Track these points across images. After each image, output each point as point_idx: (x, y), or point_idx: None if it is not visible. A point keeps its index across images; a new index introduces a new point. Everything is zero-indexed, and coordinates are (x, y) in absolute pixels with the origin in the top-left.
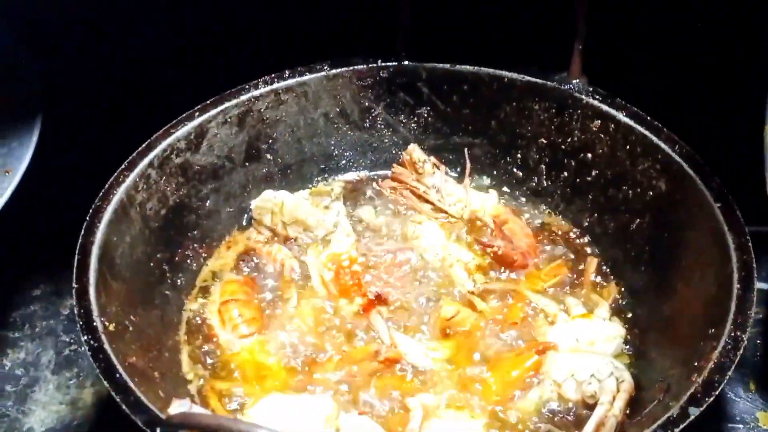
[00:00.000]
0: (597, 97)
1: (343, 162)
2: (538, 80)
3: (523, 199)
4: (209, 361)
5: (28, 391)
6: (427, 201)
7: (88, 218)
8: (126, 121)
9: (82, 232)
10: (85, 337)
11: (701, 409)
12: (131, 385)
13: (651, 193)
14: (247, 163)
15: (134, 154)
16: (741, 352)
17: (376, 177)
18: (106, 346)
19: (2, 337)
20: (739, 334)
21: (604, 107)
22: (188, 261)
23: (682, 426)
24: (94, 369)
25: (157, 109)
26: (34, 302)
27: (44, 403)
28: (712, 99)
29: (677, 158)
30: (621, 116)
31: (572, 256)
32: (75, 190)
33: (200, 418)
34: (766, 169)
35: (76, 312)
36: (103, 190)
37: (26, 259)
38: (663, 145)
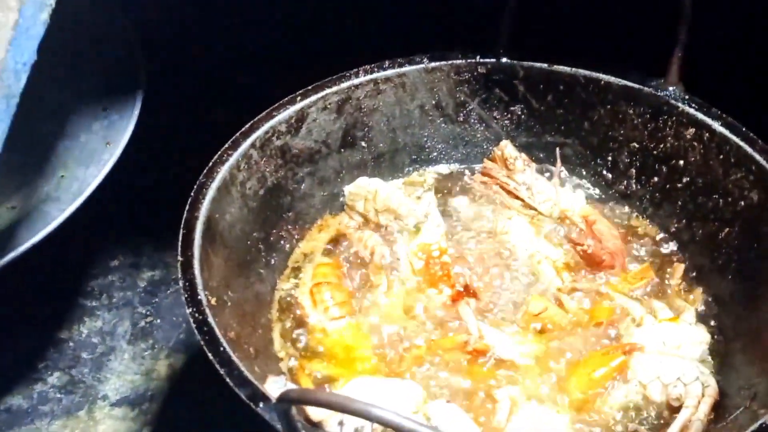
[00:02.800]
0: (693, 105)
1: (435, 154)
2: (635, 85)
3: (612, 202)
4: (300, 340)
5: (104, 359)
6: (517, 197)
7: (193, 193)
8: (227, 104)
9: (188, 206)
10: (190, 310)
11: None
12: (234, 358)
13: (742, 203)
14: (342, 150)
15: (237, 134)
16: None
17: (467, 170)
18: (210, 319)
19: (80, 305)
20: None
21: (700, 116)
22: (282, 241)
23: None
24: (169, 341)
25: (258, 94)
26: (112, 273)
27: (119, 372)
28: None
29: None
30: (716, 125)
31: (659, 261)
32: (164, 169)
33: (316, 395)
34: None
35: (181, 285)
36: (207, 167)
37: (107, 230)
38: (757, 157)
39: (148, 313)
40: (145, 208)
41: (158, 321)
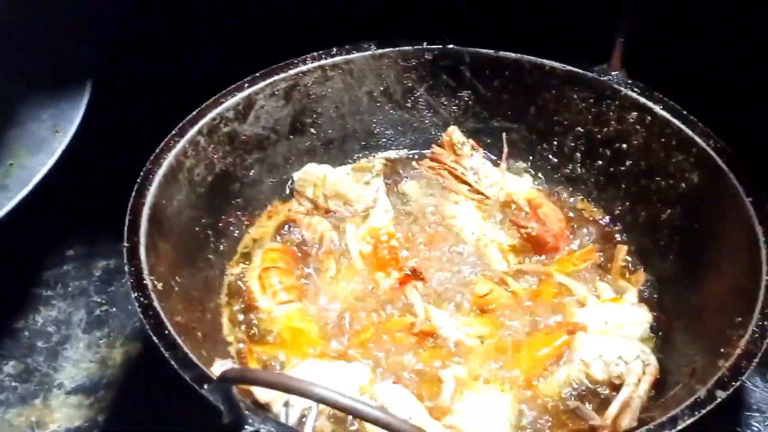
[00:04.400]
0: (635, 89)
1: (384, 140)
2: (578, 70)
3: (558, 185)
4: (248, 325)
5: (59, 348)
6: (464, 182)
7: (139, 180)
8: (176, 91)
9: (134, 193)
10: (136, 294)
11: (728, 392)
12: (179, 342)
13: (683, 185)
14: (291, 136)
15: (184, 121)
16: None
17: (415, 156)
18: (156, 303)
19: (35, 294)
20: (766, 323)
21: (642, 99)
22: (231, 228)
23: (708, 408)
24: (124, 329)
25: (206, 80)
26: (67, 262)
27: (75, 360)
28: (750, 94)
29: (711, 152)
30: (657, 109)
31: (603, 243)
32: (116, 157)
33: (257, 374)
34: None
35: (126, 270)
36: (154, 154)
37: (61, 219)
38: (697, 139)
39: (103, 301)
40: (100, 197)
41: (113, 309)
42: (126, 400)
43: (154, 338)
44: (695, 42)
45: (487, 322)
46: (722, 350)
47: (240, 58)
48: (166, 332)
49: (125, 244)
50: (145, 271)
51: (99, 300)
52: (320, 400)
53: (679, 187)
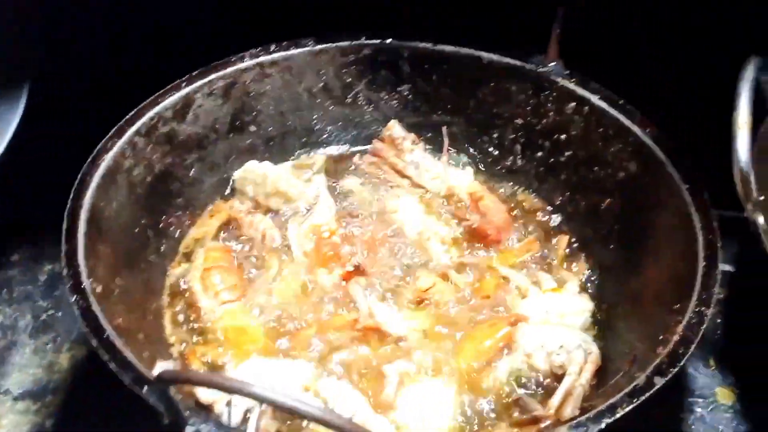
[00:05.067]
0: (572, 80)
1: (325, 136)
2: (516, 62)
3: (499, 177)
4: (191, 325)
5: (5, 353)
6: (405, 176)
7: (77, 183)
8: (114, 91)
9: (71, 195)
10: (74, 297)
11: (666, 378)
12: (118, 344)
13: (622, 173)
14: (231, 134)
15: (122, 122)
16: (705, 326)
17: (356, 152)
18: (95, 306)
19: None
20: (703, 309)
21: (579, 90)
22: (172, 228)
23: (647, 394)
24: (70, 334)
25: (145, 79)
26: (11, 267)
27: (21, 365)
28: (687, 84)
29: (648, 141)
30: (594, 99)
31: (544, 233)
32: (56, 158)
33: (192, 374)
34: (734, 151)
35: (65, 273)
36: (91, 156)
37: (4, 224)
38: (634, 128)
39: (49, 306)
40: (43, 200)
41: (59, 314)
42: (74, 405)
43: (93, 341)
44: (632, 31)
45: (431, 315)
46: (661, 337)
47: (177, 56)
48: (105, 335)
49: (63, 246)
50: (84, 275)
51: (45, 304)
52: (257, 398)
53: (617, 176)
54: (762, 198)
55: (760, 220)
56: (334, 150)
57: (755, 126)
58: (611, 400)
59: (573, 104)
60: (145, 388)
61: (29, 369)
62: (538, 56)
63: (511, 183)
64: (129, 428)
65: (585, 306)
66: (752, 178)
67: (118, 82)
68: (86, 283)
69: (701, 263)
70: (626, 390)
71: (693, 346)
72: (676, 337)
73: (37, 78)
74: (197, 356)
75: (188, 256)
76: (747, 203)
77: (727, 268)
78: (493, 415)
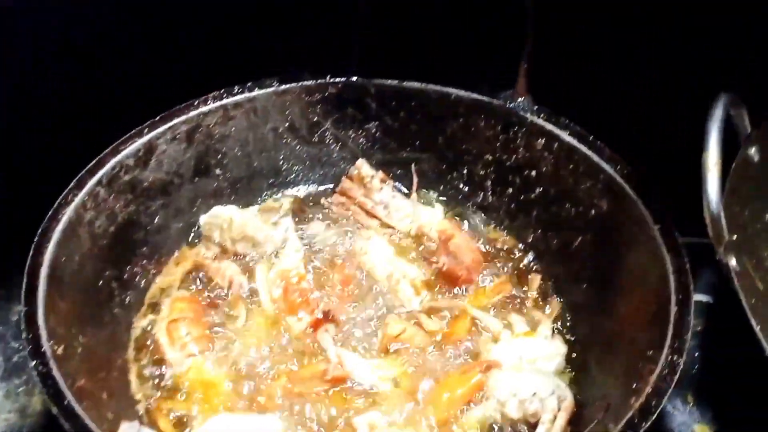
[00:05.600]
0: (541, 115)
1: (292, 176)
2: (484, 98)
3: (470, 214)
4: (157, 380)
5: None
6: (374, 216)
7: (36, 239)
8: (74, 138)
9: (31, 253)
10: (34, 362)
11: None
12: (79, 411)
13: (593, 211)
14: (196, 179)
15: (83, 172)
16: (677, 376)
17: (325, 191)
18: (55, 372)
19: None
20: (676, 358)
21: (548, 126)
22: (137, 278)
23: None
24: None
25: (106, 126)
26: None
27: None
28: (658, 116)
29: (618, 179)
30: (564, 135)
31: (517, 273)
32: (25, 199)
33: None
34: (704, 192)
35: (24, 336)
36: (51, 210)
37: None
38: (605, 165)
39: (20, 347)
40: (13, 239)
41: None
42: None
43: (54, 408)
44: (601, 66)
45: (401, 363)
46: (634, 385)
47: (138, 101)
48: (65, 402)
49: (23, 307)
50: (44, 338)
51: (16, 345)
52: None
53: (589, 213)
54: (735, 237)
55: (732, 262)
56: (302, 190)
57: (728, 160)
58: None
59: (542, 140)
60: None
61: (1, 414)
62: (507, 92)
63: (483, 219)
64: None
65: (558, 350)
66: (723, 222)
67: (78, 129)
68: (46, 346)
69: (673, 308)
70: None
71: (665, 399)
72: (648, 389)
73: None
74: (164, 413)
75: (154, 307)
76: (719, 246)
77: (704, 298)
78: None
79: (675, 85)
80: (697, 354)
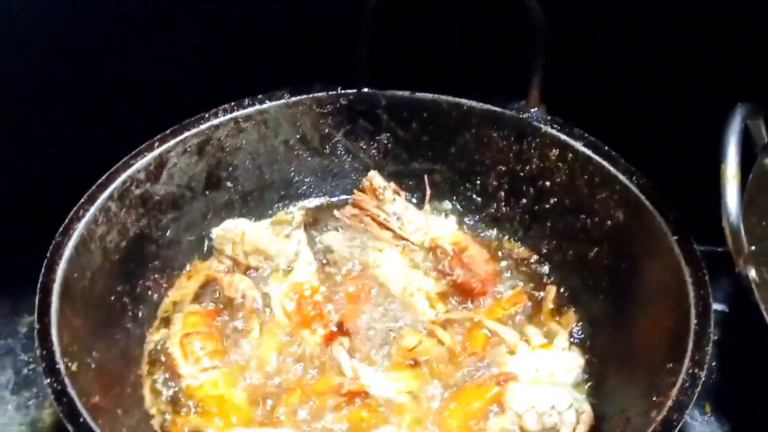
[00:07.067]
0: (555, 126)
1: (304, 188)
2: (497, 108)
3: (483, 225)
4: (171, 395)
5: None
6: (387, 228)
7: (48, 255)
8: (84, 152)
9: (43, 270)
10: (48, 380)
11: None
12: (95, 429)
13: (609, 222)
14: (207, 192)
15: (94, 187)
16: (699, 389)
17: (337, 203)
18: (70, 389)
19: None
20: (696, 371)
21: (562, 136)
22: (149, 292)
23: None
24: None
25: (116, 139)
26: None
27: (3, 424)
28: (673, 125)
29: (634, 189)
30: (578, 145)
31: (531, 284)
32: (34, 212)
33: None
34: (723, 205)
35: (38, 354)
36: (62, 226)
37: None
38: (620, 176)
39: (30, 359)
40: (21, 251)
41: (41, 368)
42: None
43: (70, 427)
44: (615, 75)
45: (417, 376)
46: (654, 399)
47: (148, 115)
48: (81, 419)
49: (36, 325)
50: (58, 354)
51: (26, 358)
52: None
53: (605, 224)
54: (753, 248)
55: (752, 274)
56: (314, 202)
57: (746, 169)
58: None
59: (556, 150)
60: None
61: (12, 427)
62: (519, 102)
63: (496, 231)
64: None
65: (576, 362)
66: (742, 233)
67: (88, 143)
68: (60, 363)
69: (693, 321)
70: None
71: (687, 412)
72: (669, 402)
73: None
74: (178, 428)
75: (167, 321)
76: (738, 258)
77: (720, 307)
78: None
79: (690, 94)
80: (714, 363)
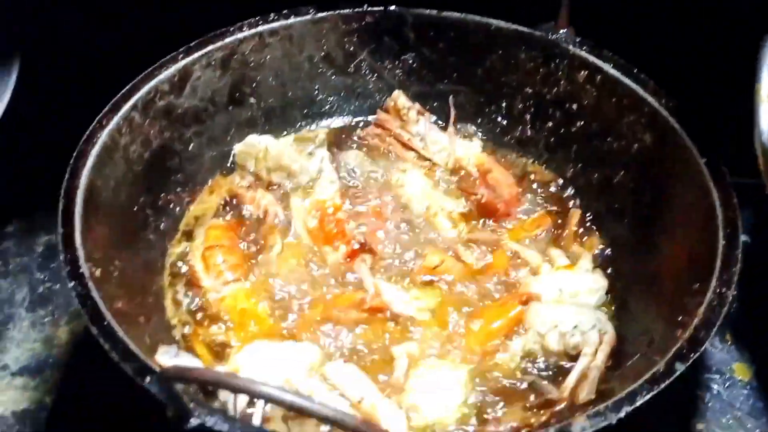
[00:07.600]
0: (584, 47)
1: (327, 107)
2: (525, 29)
3: (508, 148)
4: (193, 306)
5: (2, 328)
6: (411, 149)
7: (72, 162)
8: (110, 63)
9: (67, 175)
10: (72, 284)
11: (687, 364)
12: (120, 333)
13: (636, 145)
14: (230, 107)
15: (118, 97)
16: (727, 308)
17: (360, 123)
18: (94, 293)
19: None
20: (725, 290)
21: (591, 58)
22: (171, 205)
23: (668, 381)
24: (69, 307)
25: (141, 52)
26: (7, 239)
27: (19, 340)
28: (704, 50)
29: (663, 111)
30: (607, 67)
31: (555, 207)
32: (52, 131)
33: (197, 372)
34: (756, 125)
35: (62, 258)
36: (87, 133)
37: None
38: (649, 98)
39: (46, 278)
40: (36, 170)
41: (57, 286)
42: (73, 380)
43: (93, 329)
44: None
45: (439, 294)
46: (680, 319)
47: (173, 27)
48: (105, 322)
49: (59, 230)
50: (82, 259)
51: (42, 276)
52: (266, 398)
53: (631, 148)
54: None
55: None
56: (337, 121)
57: None
58: (631, 387)
59: (584, 73)
60: (147, 379)
61: (27, 344)
62: (548, 23)
63: (521, 154)
64: (130, 404)
65: (599, 284)
66: None
67: (113, 55)
68: (84, 267)
69: (721, 241)
70: (646, 377)
71: (714, 329)
72: (696, 320)
73: (29, 50)
74: (200, 339)
75: (189, 235)
76: None
77: (743, 238)
78: (504, 398)
79: (723, 16)
80: (735, 293)
